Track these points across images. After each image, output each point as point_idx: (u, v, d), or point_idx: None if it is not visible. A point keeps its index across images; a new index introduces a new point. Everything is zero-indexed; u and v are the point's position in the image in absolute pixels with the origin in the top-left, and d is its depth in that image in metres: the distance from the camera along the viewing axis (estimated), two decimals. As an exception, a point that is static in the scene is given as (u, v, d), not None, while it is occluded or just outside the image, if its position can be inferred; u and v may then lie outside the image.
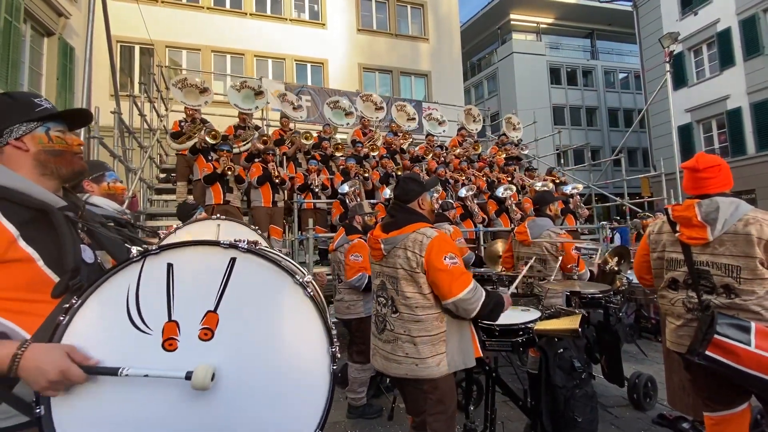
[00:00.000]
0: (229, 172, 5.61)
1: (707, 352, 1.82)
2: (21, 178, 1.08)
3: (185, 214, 3.30)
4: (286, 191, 6.30)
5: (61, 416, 0.95)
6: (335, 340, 1.10)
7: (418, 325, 1.93)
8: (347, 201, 5.79)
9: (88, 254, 1.15)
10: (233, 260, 1.06)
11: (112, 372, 0.94)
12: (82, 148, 1.22)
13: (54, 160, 1.14)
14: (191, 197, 6.32)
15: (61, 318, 0.97)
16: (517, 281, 2.60)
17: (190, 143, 6.27)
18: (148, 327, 1.00)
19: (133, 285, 1.02)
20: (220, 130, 6.58)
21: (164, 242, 1.80)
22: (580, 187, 7.89)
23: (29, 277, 1.03)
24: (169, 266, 1.04)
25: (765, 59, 13.74)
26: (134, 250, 1.05)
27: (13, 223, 1.01)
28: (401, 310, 1.97)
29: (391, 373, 2.01)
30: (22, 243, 1.01)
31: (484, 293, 1.95)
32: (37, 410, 0.94)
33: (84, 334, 0.98)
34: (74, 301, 0.99)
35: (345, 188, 5.86)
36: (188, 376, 0.95)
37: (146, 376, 0.94)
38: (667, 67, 9.53)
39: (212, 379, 0.96)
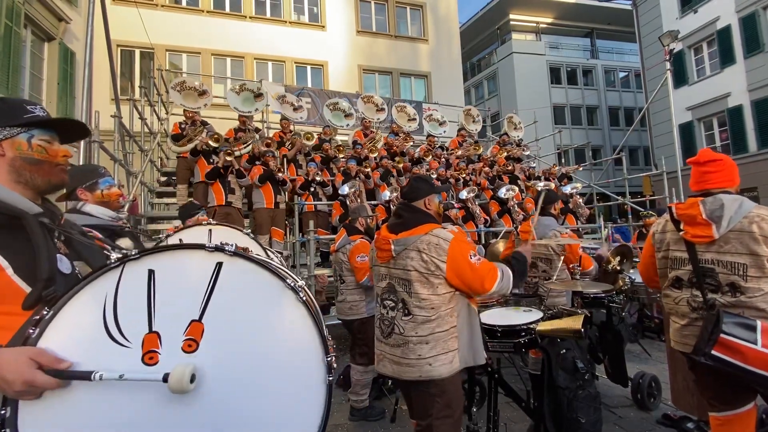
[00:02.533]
0: (228, 158, 5.59)
1: (713, 352, 1.80)
2: None
3: (187, 215, 3.28)
4: (287, 193, 6.30)
5: (27, 420, 0.88)
6: (331, 348, 1.03)
7: (430, 324, 1.92)
8: (347, 202, 5.79)
9: (65, 264, 1.09)
10: (219, 264, 0.99)
11: (85, 376, 0.87)
12: (67, 160, 1.16)
13: (29, 168, 1.07)
14: (192, 200, 6.32)
15: (31, 331, 0.89)
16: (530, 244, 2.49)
17: (190, 146, 6.27)
18: (126, 339, 0.92)
19: (111, 293, 0.94)
20: (221, 133, 6.58)
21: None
22: (579, 186, 7.88)
23: None
24: (151, 273, 0.97)
25: (765, 56, 13.70)
26: (113, 255, 0.97)
27: None
28: (414, 312, 1.94)
29: (404, 378, 1.97)
30: None
31: (511, 274, 2.01)
32: (2, 412, 0.87)
33: (56, 348, 0.90)
34: (45, 312, 0.91)
35: (345, 189, 5.85)
36: (165, 378, 0.87)
37: (121, 377, 0.87)
38: (668, 65, 9.51)
39: (192, 381, 0.89)
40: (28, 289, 0.98)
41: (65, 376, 0.87)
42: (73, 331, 0.92)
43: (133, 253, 0.97)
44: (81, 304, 0.93)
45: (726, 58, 14.88)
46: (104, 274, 0.95)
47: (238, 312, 0.99)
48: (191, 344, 0.95)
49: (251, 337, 0.99)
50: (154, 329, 0.94)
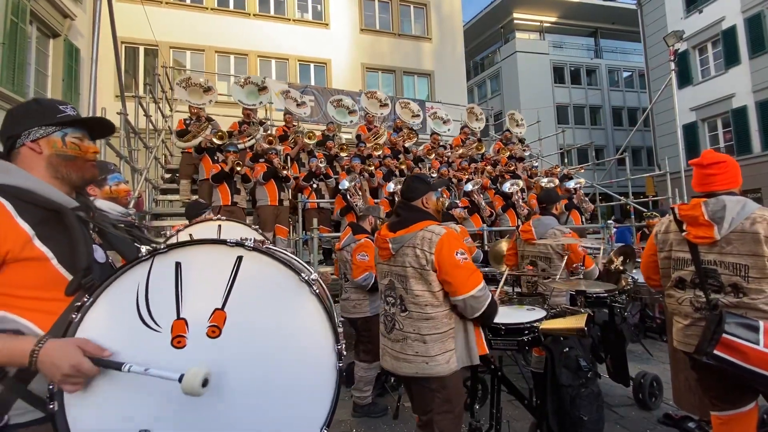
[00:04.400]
0: (238, 167, 5.66)
1: (715, 352, 1.82)
2: (35, 178, 1.10)
3: (194, 214, 3.30)
4: (290, 190, 6.32)
5: (74, 411, 0.98)
6: (341, 337, 1.11)
7: (428, 323, 1.93)
8: (348, 196, 5.82)
9: (99, 254, 1.18)
10: (240, 258, 1.08)
11: (116, 366, 0.96)
12: (96, 155, 1.25)
13: (65, 164, 1.16)
14: (195, 197, 6.35)
15: (74, 316, 1.00)
16: (500, 286, 2.58)
17: (195, 141, 6.29)
18: (157, 325, 1.02)
19: (143, 283, 1.04)
20: (225, 130, 6.60)
21: (154, 240, 1.82)
22: (583, 181, 7.85)
23: (44, 275, 1.05)
24: (177, 265, 1.06)
25: (771, 57, 13.63)
26: (144, 249, 1.06)
27: (29, 222, 1.04)
28: (411, 309, 1.97)
29: (401, 373, 2.01)
30: (37, 242, 1.04)
31: (490, 297, 1.96)
32: (51, 405, 0.96)
33: (95, 331, 1.01)
34: (86, 300, 1.01)
35: (345, 184, 5.88)
36: (181, 379, 0.95)
37: (146, 371, 0.96)
38: (672, 65, 9.48)
39: (205, 385, 0.95)
40: (69, 277, 1.08)
41: (101, 364, 0.97)
42: (110, 316, 1.02)
43: (161, 247, 1.06)
44: (117, 292, 1.03)
45: (731, 58, 14.81)
46: (137, 266, 1.05)
47: (257, 302, 1.08)
48: (215, 330, 1.04)
49: (269, 325, 1.08)
50: (181, 316, 1.04)
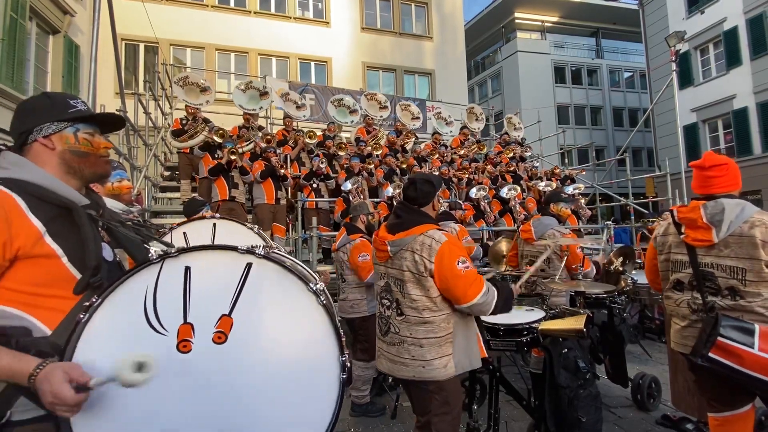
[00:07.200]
0: (233, 156, 5.63)
1: (711, 354, 1.82)
2: (47, 175, 1.10)
3: (192, 211, 3.30)
4: (289, 189, 6.31)
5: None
6: (346, 349, 1.12)
7: (424, 327, 1.91)
8: (350, 198, 5.80)
9: (107, 252, 1.18)
10: (249, 265, 1.09)
11: (84, 389, 0.93)
12: (108, 151, 1.25)
13: (78, 160, 1.16)
14: (195, 195, 6.34)
15: (81, 316, 1.00)
16: (523, 279, 2.56)
17: (192, 141, 6.29)
18: (163, 328, 1.03)
19: (151, 286, 1.05)
20: (225, 129, 6.59)
21: (162, 241, 1.82)
22: (582, 187, 7.87)
23: (53, 273, 1.05)
24: (187, 269, 1.07)
25: (772, 58, 13.60)
26: (153, 251, 1.08)
27: (40, 219, 1.04)
28: (407, 313, 1.95)
29: (398, 375, 2.00)
30: (48, 239, 1.04)
31: (496, 293, 1.94)
32: None
33: (102, 332, 1.01)
34: (94, 300, 1.02)
35: (348, 185, 5.86)
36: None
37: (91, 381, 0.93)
38: (673, 66, 9.46)
39: (140, 369, 0.92)
40: (78, 276, 1.08)
41: (81, 390, 0.92)
42: (117, 317, 1.03)
43: (172, 251, 1.07)
44: (125, 293, 1.04)
45: (732, 59, 14.79)
46: (146, 268, 1.06)
47: (263, 310, 1.09)
48: (221, 336, 1.05)
49: (275, 334, 1.09)
50: (188, 320, 1.04)
